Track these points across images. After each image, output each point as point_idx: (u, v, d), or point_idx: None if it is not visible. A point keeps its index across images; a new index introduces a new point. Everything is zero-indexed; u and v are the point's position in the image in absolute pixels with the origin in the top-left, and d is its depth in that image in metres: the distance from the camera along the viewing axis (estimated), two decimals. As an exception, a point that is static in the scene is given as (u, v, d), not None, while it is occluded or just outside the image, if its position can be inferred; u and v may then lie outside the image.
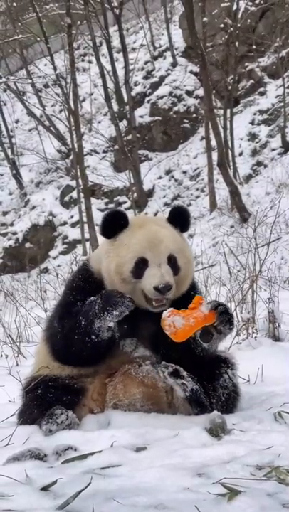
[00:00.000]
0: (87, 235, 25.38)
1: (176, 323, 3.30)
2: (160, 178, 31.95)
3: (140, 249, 3.50)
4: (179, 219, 3.74)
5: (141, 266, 3.49)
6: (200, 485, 2.37)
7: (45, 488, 2.48)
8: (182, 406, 3.49)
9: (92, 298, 3.51)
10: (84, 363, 3.63)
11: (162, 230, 3.62)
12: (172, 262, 3.53)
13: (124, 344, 3.62)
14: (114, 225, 3.63)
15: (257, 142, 28.27)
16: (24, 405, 3.70)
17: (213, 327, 3.41)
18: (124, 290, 3.55)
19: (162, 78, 34.05)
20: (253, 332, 5.90)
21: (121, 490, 2.39)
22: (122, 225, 3.63)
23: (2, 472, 2.68)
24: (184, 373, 3.40)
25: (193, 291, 3.78)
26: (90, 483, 2.39)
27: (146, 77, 35.35)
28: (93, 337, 3.44)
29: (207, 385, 3.50)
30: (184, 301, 3.63)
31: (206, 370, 3.51)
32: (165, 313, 3.35)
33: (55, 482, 2.50)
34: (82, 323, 3.45)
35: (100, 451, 2.87)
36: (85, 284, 3.71)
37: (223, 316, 3.39)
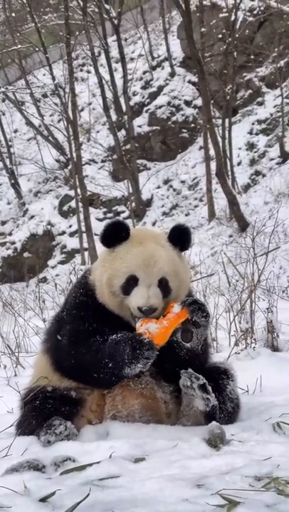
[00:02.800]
0: (85, 245, 25.41)
1: (150, 329, 3.33)
2: (158, 187, 31.99)
3: (133, 266, 3.50)
4: (180, 238, 3.71)
5: (131, 283, 3.49)
6: (199, 496, 2.36)
7: (43, 500, 2.47)
8: (194, 416, 3.45)
9: (115, 337, 3.42)
10: (97, 387, 3.61)
11: (160, 250, 3.59)
12: (163, 284, 3.52)
13: None
14: (115, 235, 3.62)
15: (255, 152, 28.32)
16: (23, 416, 3.69)
17: (189, 323, 3.42)
18: (112, 303, 3.57)
19: (161, 88, 34.13)
20: (252, 342, 5.90)
21: (120, 501, 2.38)
22: (123, 237, 3.62)
23: (0, 483, 2.68)
24: (210, 388, 3.39)
25: None
26: (88, 494, 2.39)
27: (144, 87, 35.44)
28: (120, 378, 3.42)
29: (218, 396, 3.49)
30: None
31: (209, 382, 3.49)
32: (138, 324, 3.39)
33: (53, 493, 2.50)
34: (110, 365, 3.39)
35: (98, 462, 2.86)
36: (87, 299, 3.69)
37: (192, 306, 3.40)
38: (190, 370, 3.38)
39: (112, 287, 3.54)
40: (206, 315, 3.46)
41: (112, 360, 3.39)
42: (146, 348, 3.27)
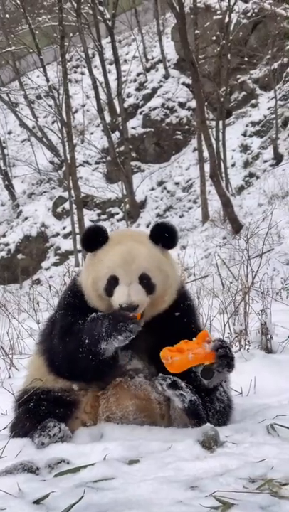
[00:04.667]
0: (79, 247, 25.33)
1: (173, 357, 3.30)
2: (152, 189, 32.01)
3: (113, 266, 3.51)
4: (161, 236, 3.70)
5: (112, 283, 3.50)
6: (193, 498, 2.36)
7: (37, 502, 2.47)
8: (179, 417, 3.47)
9: (94, 314, 3.49)
10: (86, 379, 3.62)
11: (138, 247, 3.59)
12: (145, 281, 3.51)
13: (118, 356, 3.61)
14: (94, 240, 3.65)
15: (249, 154, 28.38)
16: (16, 418, 3.69)
17: (213, 365, 3.39)
18: (100, 306, 3.59)
19: (155, 90, 34.17)
20: (246, 344, 5.89)
21: (114, 503, 2.38)
22: (102, 241, 3.65)
23: (-6, 485, 2.67)
24: (182, 384, 3.38)
25: (183, 302, 3.78)
26: (82, 496, 2.38)
27: (138, 89, 35.46)
28: (98, 356, 3.41)
29: (204, 396, 3.49)
30: (172, 312, 3.67)
31: (201, 383, 3.49)
32: (165, 349, 3.33)
33: (47, 495, 2.49)
34: (86, 341, 3.42)
35: (92, 464, 2.85)
36: (75, 300, 3.71)
37: (222, 359, 3.36)
38: (160, 374, 3.38)
39: (97, 290, 3.56)
40: (231, 368, 3.43)
41: (89, 335, 3.41)
42: (130, 321, 3.32)
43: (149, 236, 3.73)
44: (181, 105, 33.08)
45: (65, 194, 31.28)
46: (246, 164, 28.09)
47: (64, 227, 32.51)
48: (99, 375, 3.56)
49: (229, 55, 26.63)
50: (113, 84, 32.69)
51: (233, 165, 28.21)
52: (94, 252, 3.66)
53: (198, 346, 3.34)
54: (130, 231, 4.01)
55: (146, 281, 3.52)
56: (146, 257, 3.55)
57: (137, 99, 34.94)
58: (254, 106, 29.86)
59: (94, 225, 3.81)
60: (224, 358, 3.36)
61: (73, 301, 3.73)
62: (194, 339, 3.40)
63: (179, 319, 3.71)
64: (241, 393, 4.40)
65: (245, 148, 28.79)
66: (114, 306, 3.46)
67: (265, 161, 26.80)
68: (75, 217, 26.00)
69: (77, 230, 25.87)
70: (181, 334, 3.62)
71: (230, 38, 26.76)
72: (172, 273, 3.74)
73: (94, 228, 3.71)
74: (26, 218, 34.10)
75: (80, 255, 25.64)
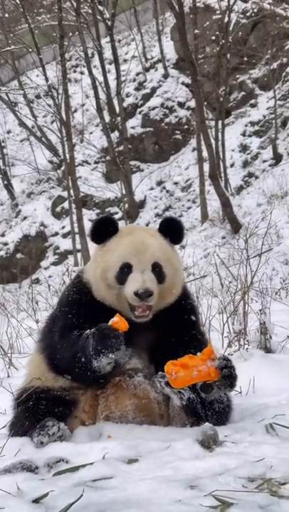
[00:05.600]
0: (78, 246, 25.39)
1: (177, 373, 3.29)
2: (152, 189, 32.01)
3: (125, 254, 3.52)
4: (170, 230, 3.74)
5: (125, 271, 3.50)
6: (192, 497, 2.36)
7: (36, 501, 2.46)
8: (178, 416, 3.47)
9: (88, 331, 3.43)
10: (84, 384, 3.61)
11: (150, 238, 3.63)
12: (157, 270, 3.53)
13: (117, 362, 3.59)
14: (104, 231, 3.66)
15: (248, 153, 28.39)
16: (15, 417, 3.69)
17: (214, 383, 3.39)
18: (109, 296, 3.58)
19: (154, 89, 34.17)
20: (245, 344, 5.89)
21: (113, 502, 2.37)
22: (112, 232, 3.66)
23: (-7, 484, 2.67)
24: None
25: (185, 300, 3.79)
26: (81, 495, 2.38)
27: (137, 89, 35.45)
28: (95, 373, 3.41)
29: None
30: (174, 310, 3.66)
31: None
32: (169, 362, 3.31)
33: (46, 494, 2.49)
34: (82, 359, 3.41)
35: (91, 463, 2.85)
36: (80, 297, 3.71)
37: (226, 379, 3.36)
38: (160, 372, 3.38)
39: (107, 280, 3.56)
40: (233, 387, 3.44)
41: (82, 353, 3.40)
42: (108, 336, 3.30)
43: (158, 230, 3.76)
44: (181, 105, 33.09)
45: (64, 194, 31.31)
46: (245, 164, 28.11)
47: (63, 227, 32.53)
48: (97, 382, 3.55)
49: (228, 55, 26.64)
50: (112, 84, 32.67)
51: (232, 165, 28.22)
52: (103, 244, 3.67)
53: (203, 363, 3.34)
54: (139, 226, 4.04)
55: (158, 270, 3.54)
56: (158, 247, 3.59)
57: (137, 98, 34.94)
58: (253, 106, 29.87)
59: (104, 215, 3.82)
60: (228, 378, 3.37)
61: (78, 297, 3.73)
62: (199, 354, 3.39)
63: (181, 319, 3.72)
64: (240, 393, 4.40)
65: (244, 148, 28.80)
66: (128, 294, 3.45)
67: (265, 161, 26.81)
68: (74, 217, 26.00)
69: (76, 230, 25.85)
70: (182, 334, 3.62)
71: (230, 37, 26.77)
72: (180, 268, 3.79)
73: (104, 219, 3.72)
74: (25, 218, 34.10)
75: (79, 255, 25.65)
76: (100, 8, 30.51)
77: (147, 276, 3.45)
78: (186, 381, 3.29)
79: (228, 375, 3.35)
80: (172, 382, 3.28)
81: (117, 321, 3.36)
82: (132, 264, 3.50)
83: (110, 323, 3.37)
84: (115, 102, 32.67)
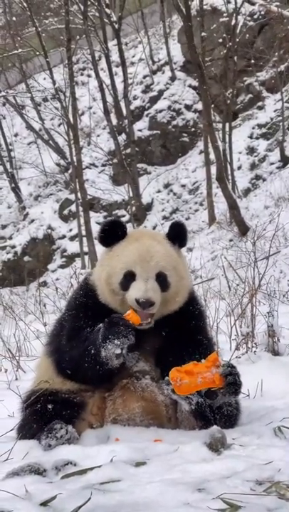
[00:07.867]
0: (86, 249, 25.44)
1: (182, 380, 3.30)
2: (159, 191, 32.01)
3: (130, 262, 3.52)
4: (177, 235, 3.75)
5: (129, 278, 3.51)
6: (200, 500, 2.36)
7: (44, 504, 2.46)
8: (186, 420, 3.48)
9: (100, 325, 3.45)
10: (93, 383, 3.62)
11: (157, 245, 3.62)
12: (161, 278, 3.53)
13: (125, 358, 3.60)
14: (112, 234, 3.67)
15: (255, 156, 28.35)
16: (23, 420, 3.69)
17: (219, 390, 3.39)
18: (113, 301, 3.60)
19: (161, 92, 34.17)
20: (253, 346, 5.89)
21: (121, 505, 2.38)
22: (120, 236, 3.66)
23: (1, 487, 2.67)
24: None
25: (192, 306, 3.79)
26: (89, 498, 2.38)
27: (145, 91, 35.46)
28: (103, 366, 3.40)
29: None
30: (181, 315, 3.65)
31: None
32: (174, 369, 3.32)
33: (54, 497, 2.48)
34: (92, 351, 3.41)
35: (99, 466, 2.85)
36: (87, 300, 3.72)
37: (230, 387, 3.37)
38: (166, 378, 3.36)
39: (111, 285, 3.57)
40: (238, 394, 3.46)
41: (93, 345, 3.41)
42: (118, 324, 3.32)
43: (166, 235, 3.76)
44: (188, 107, 33.09)
45: (72, 196, 31.35)
46: (253, 166, 28.06)
47: (70, 230, 32.53)
48: (106, 380, 3.56)
49: (236, 58, 26.59)
50: (119, 87, 32.68)
51: (239, 167, 28.19)
52: (110, 247, 3.68)
53: (208, 370, 3.34)
54: (148, 230, 4.04)
55: (162, 279, 3.53)
56: (163, 256, 3.58)
57: (144, 101, 34.95)
58: (260, 108, 29.84)
59: (113, 218, 3.82)
60: (232, 385, 3.38)
61: (85, 301, 3.74)
62: (203, 361, 3.39)
63: (188, 324, 3.72)
64: (248, 395, 4.39)
65: (251, 150, 28.76)
66: (130, 300, 3.46)
67: (272, 164, 26.77)
68: (82, 220, 26.04)
69: (83, 233, 25.90)
70: (188, 339, 3.62)
71: (237, 40, 26.77)
72: (186, 275, 3.78)
73: (113, 222, 3.72)
74: (33, 221, 34.12)
75: (86, 257, 25.68)
76: (107, 11, 30.54)
77: (150, 285, 3.45)
78: (190, 388, 3.30)
79: (232, 383, 3.36)
80: (177, 389, 3.29)
81: (130, 314, 3.39)
82: (136, 273, 3.50)
83: (123, 315, 3.40)
84: (122, 104, 32.70)
